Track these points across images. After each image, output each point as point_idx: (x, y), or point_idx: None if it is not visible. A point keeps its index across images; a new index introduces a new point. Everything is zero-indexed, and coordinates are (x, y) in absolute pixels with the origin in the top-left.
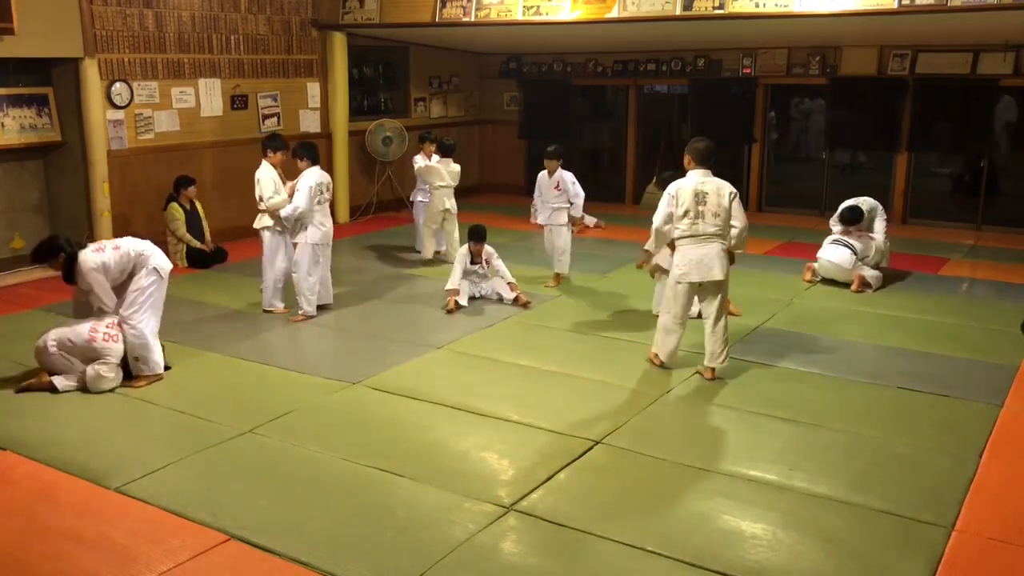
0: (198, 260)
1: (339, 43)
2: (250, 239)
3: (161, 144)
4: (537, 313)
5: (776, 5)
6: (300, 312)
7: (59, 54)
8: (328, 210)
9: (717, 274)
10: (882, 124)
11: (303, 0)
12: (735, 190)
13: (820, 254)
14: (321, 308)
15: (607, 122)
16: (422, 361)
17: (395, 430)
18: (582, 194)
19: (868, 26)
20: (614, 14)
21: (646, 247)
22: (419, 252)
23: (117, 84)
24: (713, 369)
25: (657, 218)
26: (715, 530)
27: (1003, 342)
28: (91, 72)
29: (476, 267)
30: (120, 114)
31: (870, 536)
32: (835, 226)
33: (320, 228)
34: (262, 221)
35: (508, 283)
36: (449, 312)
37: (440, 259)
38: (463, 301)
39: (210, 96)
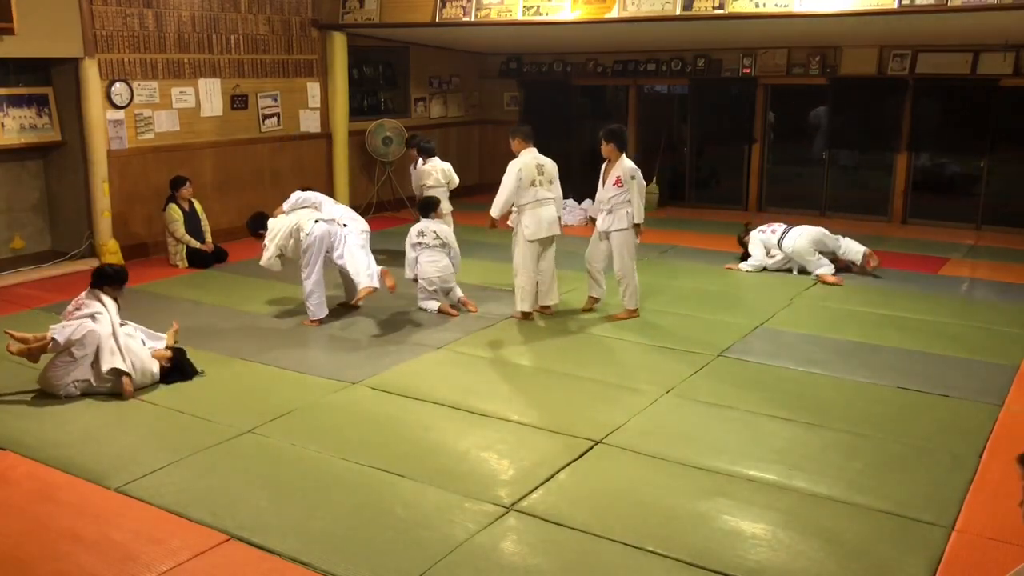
0: (198, 260)
1: (339, 43)
2: (250, 239)
3: (161, 144)
4: (536, 313)
5: (776, 5)
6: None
7: (59, 54)
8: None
9: (557, 229)
10: (882, 124)
11: (303, 0)
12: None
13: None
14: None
15: (607, 122)
16: (422, 361)
17: (395, 430)
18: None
19: (868, 26)
20: (614, 14)
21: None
22: None
23: (117, 84)
24: (549, 306)
25: (507, 189)
26: (715, 530)
27: (1003, 342)
28: (91, 72)
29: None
30: (120, 114)
31: (870, 536)
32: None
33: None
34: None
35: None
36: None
37: None
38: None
39: (210, 96)
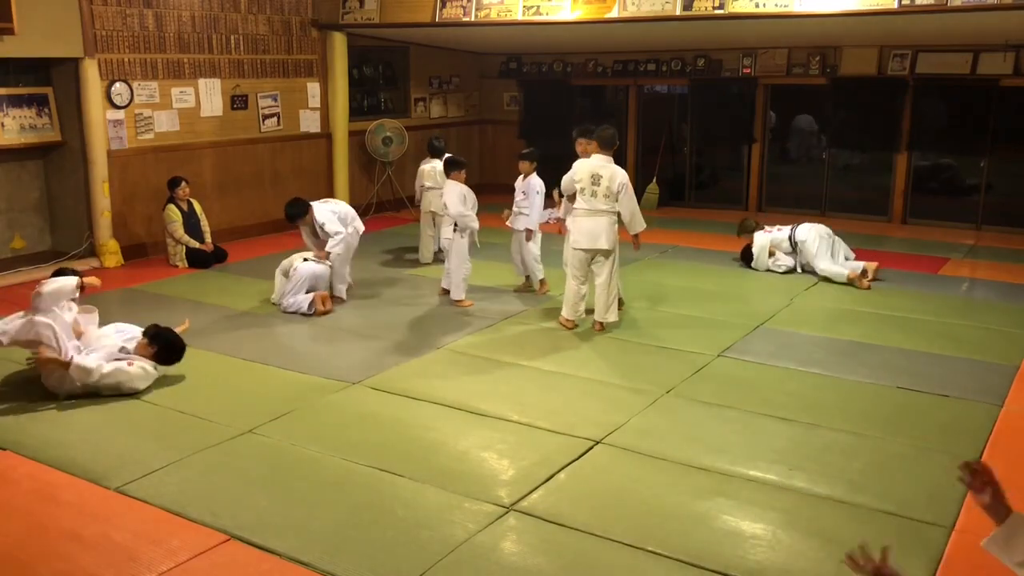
0: (198, 260)
1: (339, 43)
2: (250, 239)
3: (161, 144)
4: (537, 313)
5: (776, 5)
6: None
7: (59, 54)
8: None
9: (603, 243)
10: (882, 124)
11: (303, 0)
12: (626, 181)
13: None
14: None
15: (607, 122)
16: (422, 361)
17: (395, 430)
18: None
19: (868, 26)
20: (614, 14)
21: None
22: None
23: (117, 84)
24: (603, 323)
25: (563, 183)
26: (715, 530)
27: (1003, 342)
28: (91, 72)
29: None
30: (120, 114)
31: (870, 536)
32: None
33: None
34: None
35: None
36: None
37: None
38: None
39: (210, 96)
